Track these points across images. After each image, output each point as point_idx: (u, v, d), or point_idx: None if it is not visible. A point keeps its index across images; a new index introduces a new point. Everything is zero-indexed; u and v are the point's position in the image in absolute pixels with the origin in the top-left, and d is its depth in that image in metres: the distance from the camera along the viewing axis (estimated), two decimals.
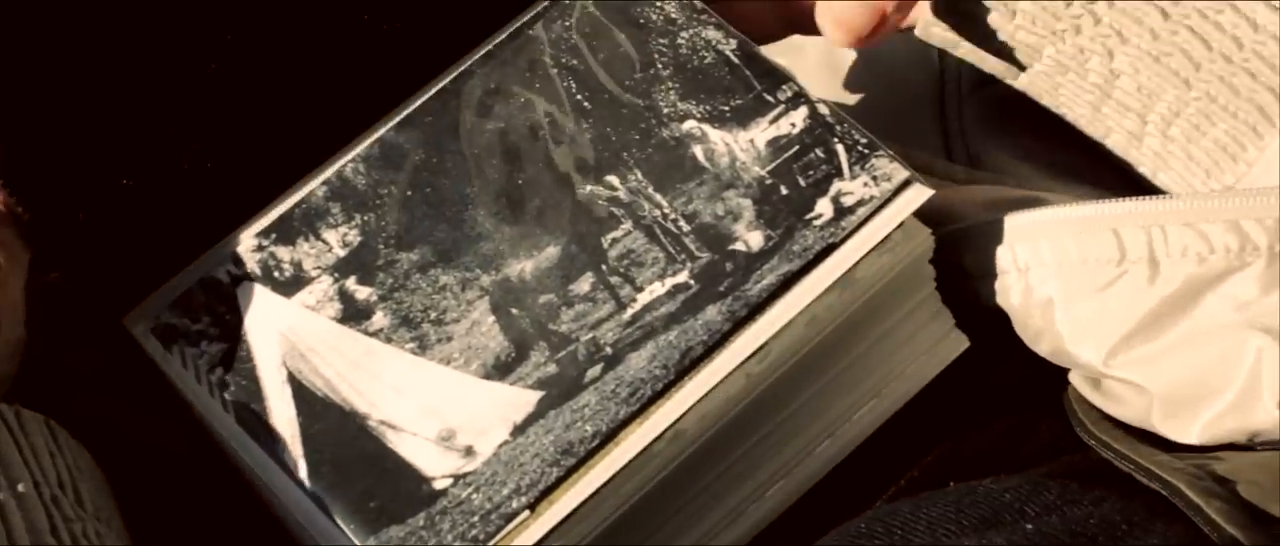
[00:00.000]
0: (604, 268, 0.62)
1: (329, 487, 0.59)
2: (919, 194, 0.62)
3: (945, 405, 0.67)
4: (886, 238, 0.62)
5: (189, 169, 0.65)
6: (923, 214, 0.64)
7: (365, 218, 0.64)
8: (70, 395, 0.64)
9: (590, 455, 0.58)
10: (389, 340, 0.62)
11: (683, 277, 0.62)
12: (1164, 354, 0.61)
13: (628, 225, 0.63)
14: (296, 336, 0.62)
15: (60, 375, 0.66)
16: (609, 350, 0.60)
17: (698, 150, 0.64)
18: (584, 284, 0.62)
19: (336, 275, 0.63)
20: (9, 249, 0.62)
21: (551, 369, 0.60)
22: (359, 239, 0.64)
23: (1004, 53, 0.69)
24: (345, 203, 0.65)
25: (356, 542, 0.58)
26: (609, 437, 0.59)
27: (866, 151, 0.63)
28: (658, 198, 0.63)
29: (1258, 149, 0.64)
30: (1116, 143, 0.69)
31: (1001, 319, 0.66)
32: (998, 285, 0.65)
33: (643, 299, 0.61)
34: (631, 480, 0.59)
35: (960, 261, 0.66)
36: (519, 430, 0.59)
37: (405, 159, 0.65)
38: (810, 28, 0.68)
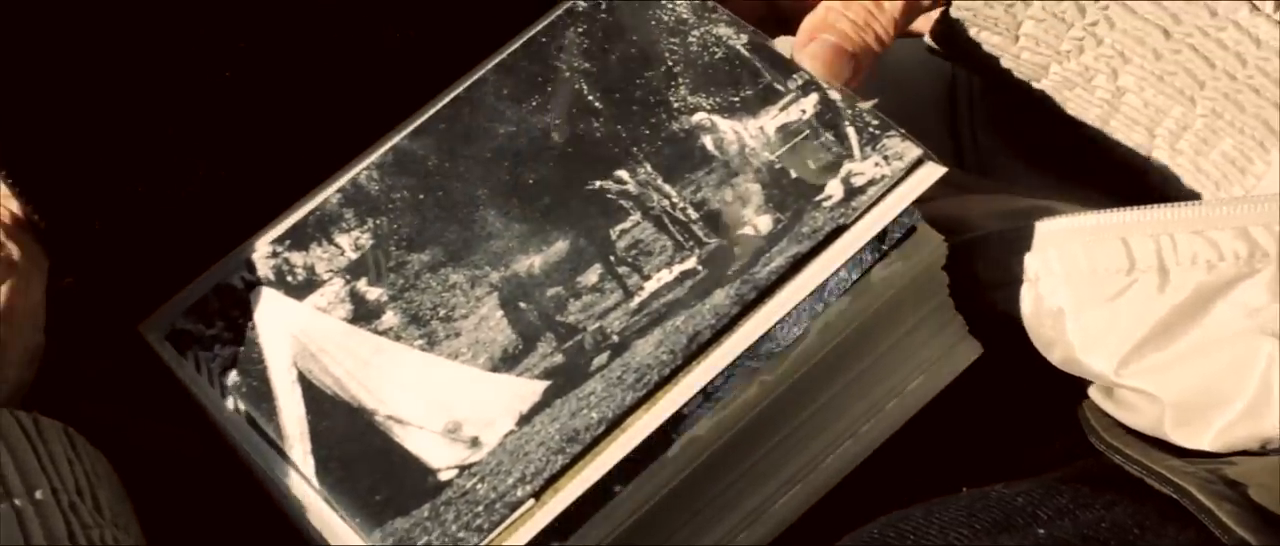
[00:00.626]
0: (612, 258, 0.63)
1: (335, 483, 0.60)
2: (932, 172, 0.63)
3: (959, 411, 0.67)
4: (900, 242, 0.63)
5: (204, 177, 0.66)
6: (935, 222, 0.65)
7: (377, 221, 0.65)
8: (81, 400, 0.66)
9: (596, 442, 0.59)
10: (398, 338, 0.63)
11: (691, 264, 0.62)
12: (1175, 362, 0.62)
13: (636, 216, 0.64)
14: (307, 337, 0.63)
15: (72, 380, 0.67)
16: (616, 338, 0.61)
17: (707, 140, 0.65)
18: (592, 275, 0.63)
19: (348, 277, 0.64)
20: (29, 254, 0.63)
21: (558, 359, 0.61)
22: (371, 242, 0.65)
23: (1009, 72, 0.70)
24: (358, 208, 0.66)
25: (362, 538, 0.58)
26: (615, 424, 0.59)
27: (878, 132, 0.64)
28: (667, 188, 0.64)
29: (1265, 163, 0.66)
30: (1125, 154, 0.70)
31: (1015, 327, 0.67)
32: (1009, 294, 0.66)
33: (650, 287, 0.62)
34: (648, 484, 0.60)
35: (973, 270, 0.67)
36: (525, 420, 0.59)
37: (418, 165, 0.67)
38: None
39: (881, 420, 0.66)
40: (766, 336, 0.61)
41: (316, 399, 0.62)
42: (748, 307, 0.61)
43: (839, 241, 0.62)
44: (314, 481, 0.60)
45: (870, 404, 0.66)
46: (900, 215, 0.62)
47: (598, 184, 0.65)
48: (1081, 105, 0.70)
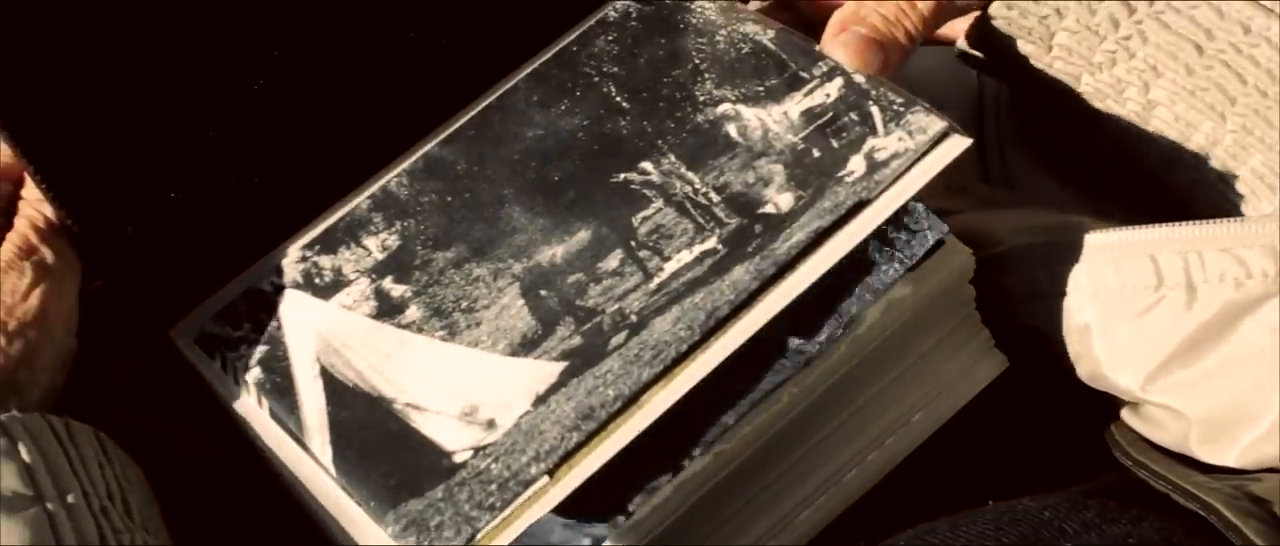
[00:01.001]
0: (633, 244, 0.64)
1: (351, 469, 0.61)
2: (957, 144, 0.63)
3: (986, 423, 0.68)
4: (928, 255, 0.64)
5: (236, 184, 0.67)
6: (963, 236, 0.66)
7: (405, 224, 0.67)
8: (111, 405, 0.67)
9: (612, 418, 0.59)
10: (421, 330, 0.64)
11: (711, 244, 0.63)
12: (1202, 379, 0.63)
13: (659, 203, 0.65)
14: (331, 334, 0.65)
15: (102, 385, 0.68)
16: (634, 318, 0.62)
17: (731, 128, 0.66)
18: (613, 261, 0.64)
19: (374, 276, 0.66)
20: (62, 258, 0.65)
21: (576, 341, 0.62)
22: (398, 242, 0.66)
23: (1041, 81, 0.71)
24: (387, 212, 0.68)
25: (375, 521, 0.59)
26: (631, 400, 0.60)
27: (902, 109, 0.65)
28: (690, 175, 0.65)
29: None
30: (1154, 169, 0.71)
31: (1042, 342, 0.68)
32: (1035, 309, 0.67)
33: (670, 267, 0.63)
34: (679, 492, 0.61)
35: (1000, 284, 0.68)
36: (541, 400, 0.60)
37: (447, 169, 0.68)
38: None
39: (908, 431, 0.67)
40: (792, 337, 0.62)
41: (337, 391, 0.63)
42: (768, 282, 0.61)
43: (861, 215, 0.63)
44: (331, 469, 0.61)
45: (897, 415, 0.67)
46: (929, 229, 0.64)
47: (622, 176, 0.66)
48: (1111, 118, 0.70)
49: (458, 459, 0.60)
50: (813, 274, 0.62)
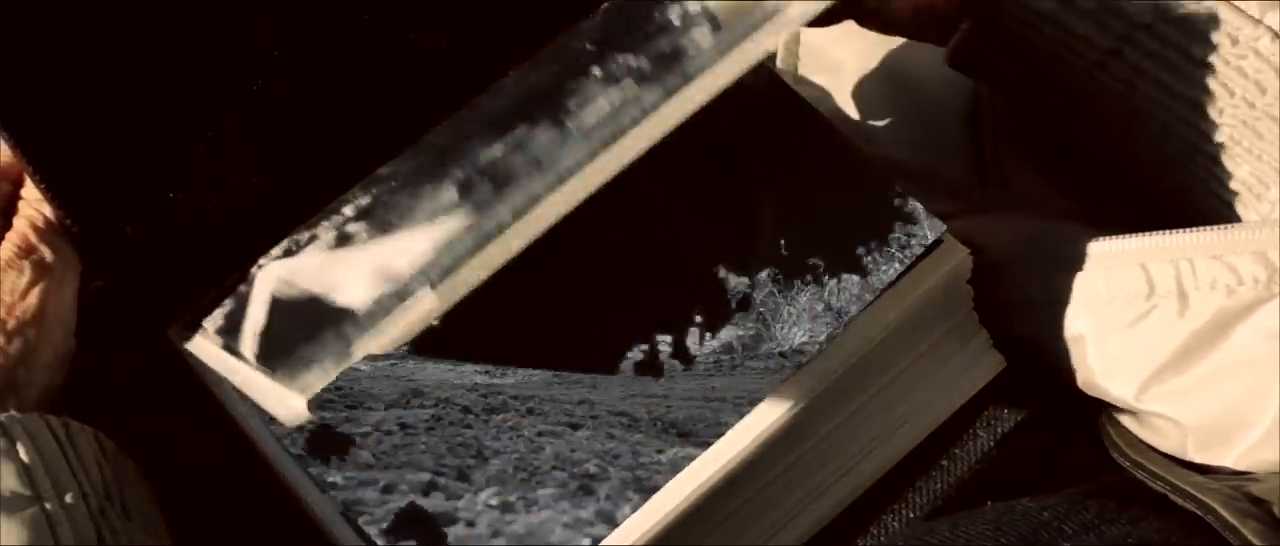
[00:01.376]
0: (562, 116, 0.64)
1: (268, 351, 0.61)
2: None
3: (985, 424, 0.69)
4: (926, 254, 0.65)
5: (235, 184, 0.68)
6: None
7: (379, 187, 0.67)
8: (107, 405, 0.67)
9: (501, 228, 0.60)
10: (365, 245, 0.64)
11: (630, 90, 0.63)
12: (1196, 387, 0.64)
13: (594, 86, 0.65)
14: (289, 272, 0.65)
15: (101, 385, 0.69)
16: (543, 158, 0.62)
17: (674, 15, 0.66)
18: (542, 136, 0.64)
19: (340, 224, 0.66)
20: (62, 257, 0.66)
21: (487, 191, 0.62)
22: (369, 200, 0.67)
23: (1034, 83, 0.72)
24: (366, 184, 0.68)
25: (274, 379, 0.59)
26: (522, 212, 0.60)
27: None
28: (627, 57, 0.65)
29: None
30: (1144, 176, 0.72)
31: (1036, 351, 0.69)
32: (1028, 318, 0.68)
33: (588, 117, 0.63)
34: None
35: (994, 293, 0.69)
36: (443, 245, 0.61)
37: (429, 144, 0.68)
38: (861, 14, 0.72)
39: (906, 432, 0.68)
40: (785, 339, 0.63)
41: (277, 309, 0.63)
42: (672, 91, 0.62)
43: (778, 16, 0.63)
44: (252, 361, 0.61)
45: (896, 415, 0.68)
46: (927, 228, 0.65)
47: (571, 84, 0.66)
48: (1100, 126, 0.71)
49: (357, 308, 0.60)
50: (725, 77, 0.62)
